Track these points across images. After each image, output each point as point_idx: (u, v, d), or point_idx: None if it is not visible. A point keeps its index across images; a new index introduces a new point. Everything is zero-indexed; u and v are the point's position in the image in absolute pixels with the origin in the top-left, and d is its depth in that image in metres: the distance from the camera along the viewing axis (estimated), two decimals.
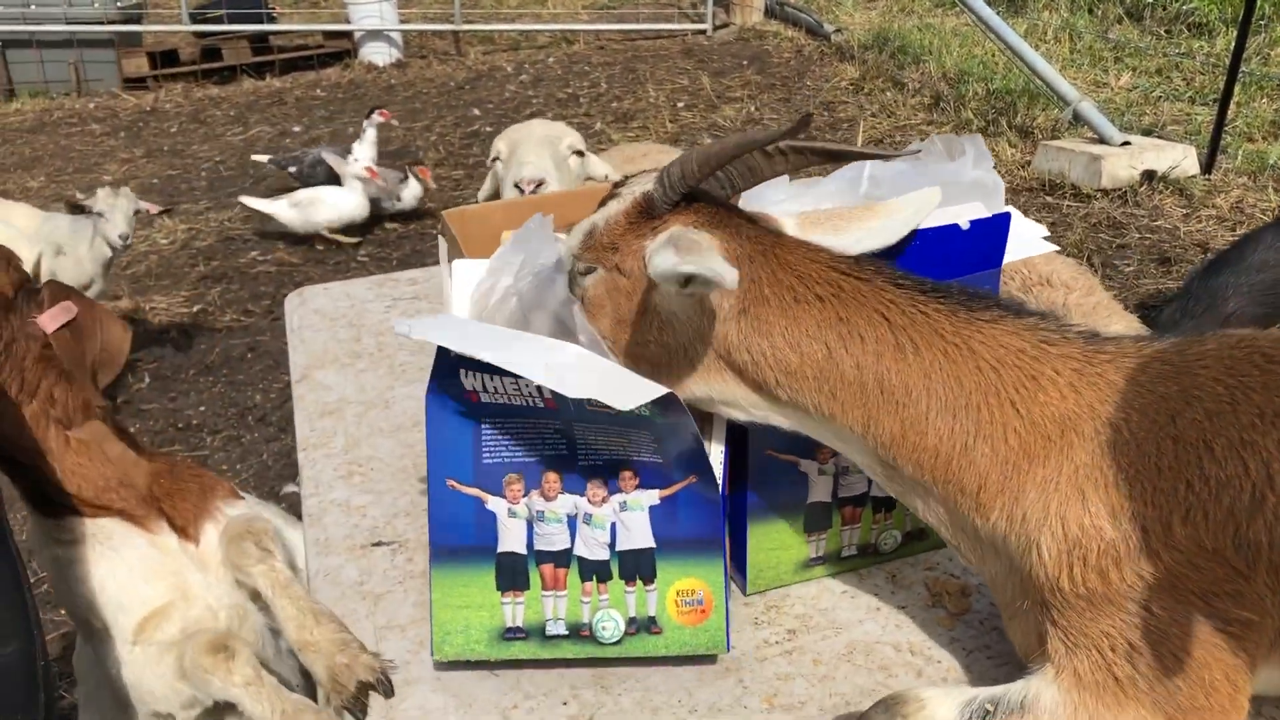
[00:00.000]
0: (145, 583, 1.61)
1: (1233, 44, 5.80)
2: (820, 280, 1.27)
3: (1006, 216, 1.50)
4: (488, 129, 7.91)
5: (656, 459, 1.42)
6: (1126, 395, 1.20)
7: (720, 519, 1.42)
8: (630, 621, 1.44)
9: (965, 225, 1.46)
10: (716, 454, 1.45)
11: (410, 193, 6.36)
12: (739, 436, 1.49)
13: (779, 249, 1.29)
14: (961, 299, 1.27)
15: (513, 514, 1.44)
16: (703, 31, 10.10)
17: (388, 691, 1.46)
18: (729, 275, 1.17)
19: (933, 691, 1.27)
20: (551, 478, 1.44)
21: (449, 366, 1.41)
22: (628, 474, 1.42)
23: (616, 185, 1.40)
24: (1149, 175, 5.68)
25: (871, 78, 7.98)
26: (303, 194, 6.10)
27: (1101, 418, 1.19)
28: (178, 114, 8.79)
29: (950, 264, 1.48)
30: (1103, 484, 1.17)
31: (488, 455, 1.44)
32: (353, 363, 2.32)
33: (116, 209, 4.73)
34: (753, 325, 1.27)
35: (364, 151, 6.26)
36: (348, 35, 9.96)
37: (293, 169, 6.53)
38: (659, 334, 1.33)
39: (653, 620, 1.43)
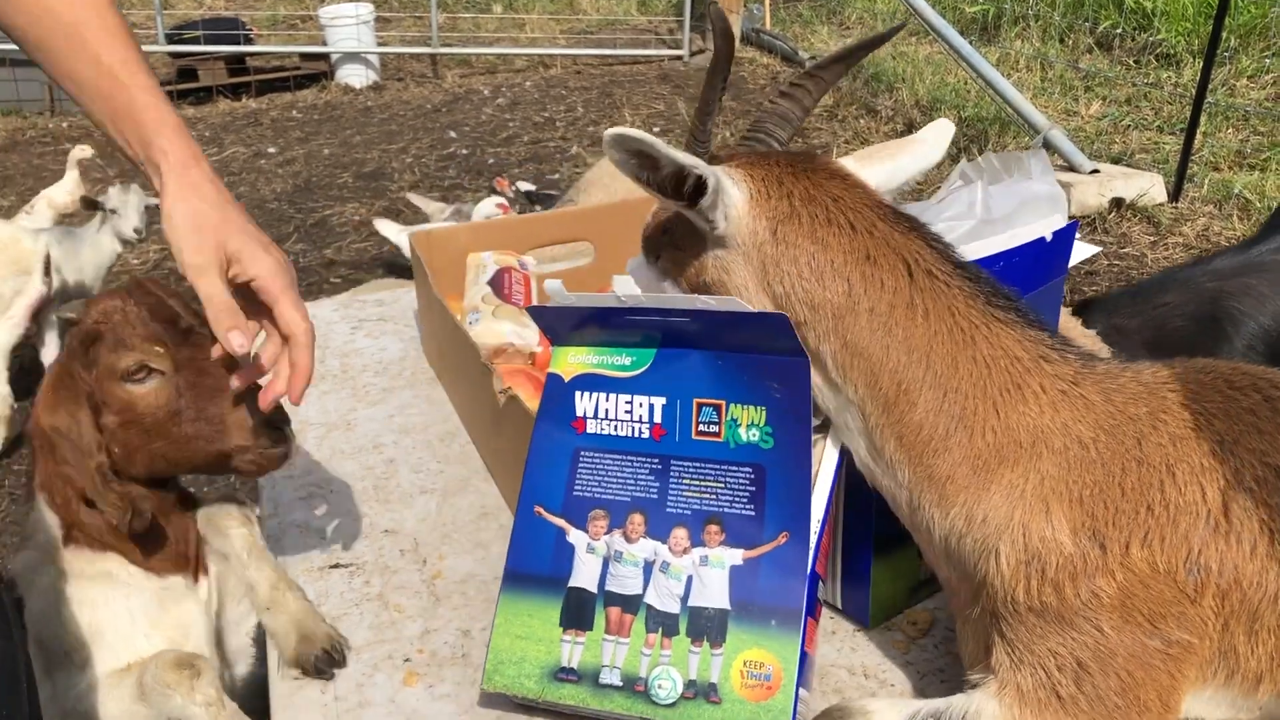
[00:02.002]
0: (144, 636, 1.54)
1: (1199, 75, 5.89)
2: (855, 209, 1.26)
3: (1075, 224, 1.54)
4: (464, 151, 7.93)
5: (750, 510, 1.39)
6: (1100, 416, 1.21)
7: (805, 591, 1.36)
8: (689, 684, 1.33)
9: (1049, 237, 1.49)
10: (831, 457, 1.41)
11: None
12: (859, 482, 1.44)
13: (813, 172, 1.29)
14: (985, 288, 1.26)
15: (591, 549, 1.41)
16: (679, 57, 10.17)
17: (343, 661, 1.48)
18: (682, 156, 1.21)
19: (878, 704, 1.28)
20: (637, 519, 1.41)
21: (564, 390, 1.46)
22: (714, 528, 1.39)
23: None
24: (1117, 203, 5.75)
25: (845, 104, 8.06)
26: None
27: (1073, 435, 1.20)
28: None
29: (1036, 275, 1.51)
30: (1067, 499, 1.18)
31: (579, 488, 1.44)
32: (316, 384, 2.30)
33: (129, 204, 4.92)
34: (783, 247, 1.26)
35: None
36: (324, 57, 9.97)
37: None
38: (722, 289, 1.33)
39: (713, 688, 1.32)
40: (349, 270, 6.19)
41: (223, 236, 1.31)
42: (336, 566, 1.75)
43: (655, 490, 1.42)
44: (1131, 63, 7.93)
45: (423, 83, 9.99)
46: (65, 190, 5.73)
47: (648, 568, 1.39)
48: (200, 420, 1.46)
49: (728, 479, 1.39)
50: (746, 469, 1.39)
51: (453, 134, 8.39)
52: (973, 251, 1.41)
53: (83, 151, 5.87)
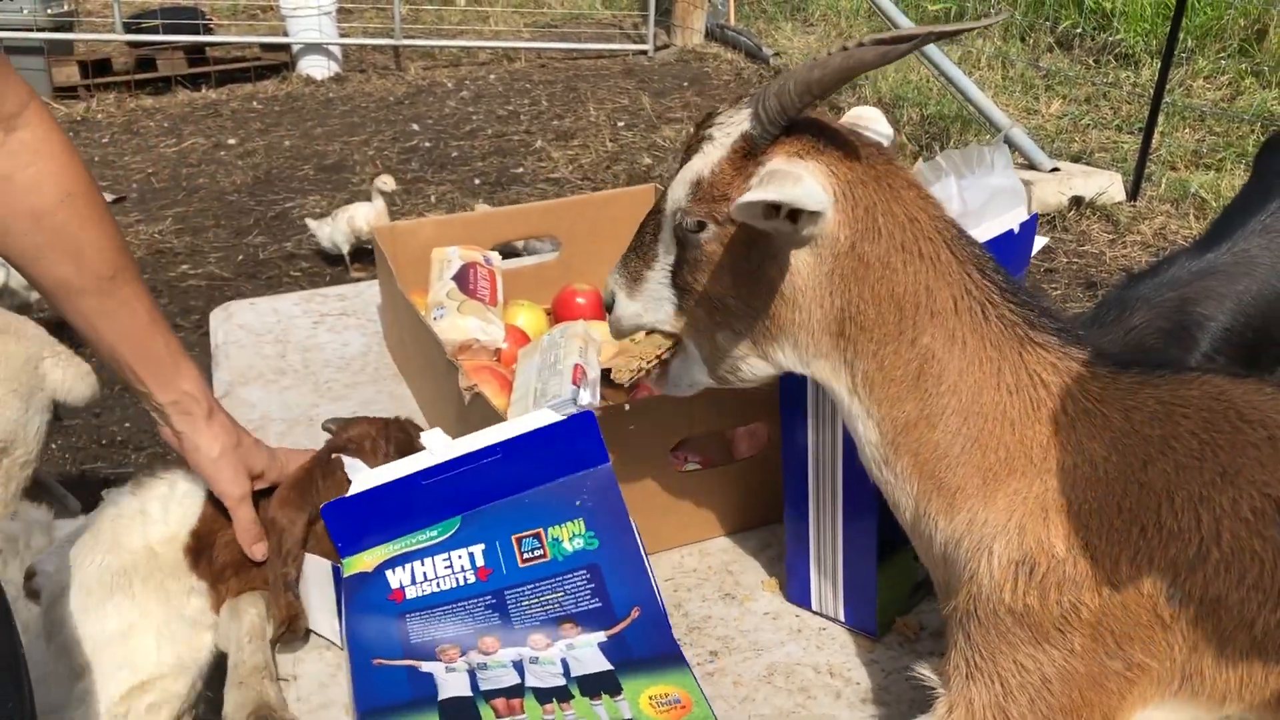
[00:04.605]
0: (156, 650, 1.48)
1: (1157, 75, 5.96)
2: (927, 235, 1.22)
3: (1035, 217, 1.54)
4: (426, 144, 7.88)
5: (596, 603, 1.40)
6: (1116, 434, 1.19)
7: (672, 637, 1.40)
8: None
9: (1017, 229, 1.49)
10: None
11: None
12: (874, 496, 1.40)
13: (891, 178, 1.23)
14: (1027, 312, 1.23)
15: (451, 669, 1.36)
16: (644, 52, 10.15)
17: None
18: (815, 197, 1.14)
19: None
20: (489, 640, 1.39)
21: (371, 577, 1.43)
22: (569, 625, 1.40)
23: (704, 125, 1.29)
24: (1077, 201, 5.81)
25: None
26: None
27: (1085, 453, 1.19)
28: (109, 124, 8.63)
29: (1008, 269, 1.50)
30: (1066, 510, 1.17)
31: (415, 639, 1.40)
32: (277, 379, 2.28)
33: None
34: (855, 263, 1.21)
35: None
36: (286, 48, 9.85)
37: None
38: (771, 286, 1.26)
39: None
40: (309, 264, 6.13)
41: (248, 463, 1.54)
42: None
43: (497, 619, 1.40)
44: (1091, 62, 8.02)
45: (385, 75, 9.91)
46: (363, 215, 5.76)
47: (518, 664, 1.36)
48: None
49: (566, 586, 1.42)
50: (581, 572, 1.42)
51: (415, 127, 8.32)
52: None
53: (386, 184, 5.89)
